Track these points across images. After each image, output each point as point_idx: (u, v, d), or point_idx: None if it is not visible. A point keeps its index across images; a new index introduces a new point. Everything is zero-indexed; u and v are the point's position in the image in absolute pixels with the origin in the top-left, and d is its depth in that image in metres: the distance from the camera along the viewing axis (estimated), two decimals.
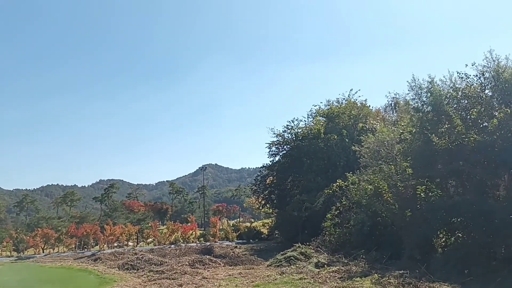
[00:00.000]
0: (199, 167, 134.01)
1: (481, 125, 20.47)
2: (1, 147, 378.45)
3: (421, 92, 25.01)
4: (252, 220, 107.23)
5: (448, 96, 23.35)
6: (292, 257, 21.38)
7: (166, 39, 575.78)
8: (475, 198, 17.76)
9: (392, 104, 49.87)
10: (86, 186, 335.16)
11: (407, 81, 25.47)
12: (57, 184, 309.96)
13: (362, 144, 28.96)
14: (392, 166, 24.26)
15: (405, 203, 18.40)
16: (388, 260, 20.32)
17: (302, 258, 21.38)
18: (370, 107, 42.36)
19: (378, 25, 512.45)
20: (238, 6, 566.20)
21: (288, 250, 23.32)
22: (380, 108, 46.07)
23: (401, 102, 50.63)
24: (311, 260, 20.50)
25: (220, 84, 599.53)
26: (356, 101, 41.01)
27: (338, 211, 27.41)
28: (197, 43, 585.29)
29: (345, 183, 29.43)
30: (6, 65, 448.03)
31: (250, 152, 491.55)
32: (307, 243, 25.26)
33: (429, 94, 24.08)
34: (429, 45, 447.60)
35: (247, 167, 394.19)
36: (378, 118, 39.43)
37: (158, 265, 23.88)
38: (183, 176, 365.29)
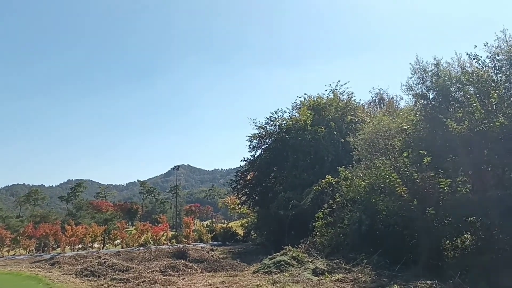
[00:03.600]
0: (171, 168, 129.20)
1: (503, 110, 17.79)
2: None
3: (426, 76, 22.38)
4: (224, 221, 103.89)
5: (457, 80, 20.78)
6: (282, 262, 18.12)
7: (142, 41, 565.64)
8: (504, 193, 14.95)
9: (376, 100, 47.55)
10: (54, 186, 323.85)
11: (410, 63, 22.67)
12: (24, 183, 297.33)
13: (357, 134, 26.04)
14: (386, 161, 21.54)
15: (423, 199, 15.41)
16: (393, 266, 17.39)
17: (295, 263, 18.15)
18: (358, 101, 39.61)
19: (359, 28, 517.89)
20: (216, 8, 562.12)
21: (277, 253, 20.08)
22: (364, 103, 43.48)
23: (386, 97, 48.66)
24: (306, 266, 17.26)
25: (195, 86, 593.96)
26: (344, 93, 38.16)
27: (330, 209, 24.35)
28: (173, 46, 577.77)
29: (335, 179, 26.59)
30: None
31: (223, 153, 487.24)
32: (296, 246, 22.07)
33: (435, 78, 21.50)
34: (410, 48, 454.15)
35: (220, 168, 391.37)
36: (366, 111, 36.73)
37: (123, 272, 20.28)
38: (154, 176, 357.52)
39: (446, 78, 20.89)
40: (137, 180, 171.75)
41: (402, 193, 15.91)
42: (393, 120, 24.77)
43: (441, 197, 14.94)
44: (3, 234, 41.23)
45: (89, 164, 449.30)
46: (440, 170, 16.09)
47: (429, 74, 22.04)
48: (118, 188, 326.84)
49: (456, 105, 20.61)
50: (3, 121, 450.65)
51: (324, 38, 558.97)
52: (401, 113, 25.56)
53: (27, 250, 43.95)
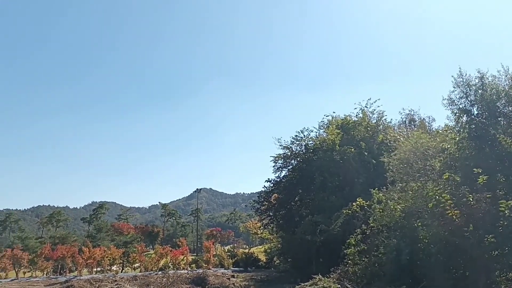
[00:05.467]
0: (193, 191, 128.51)
1: None
2: None
3: (470, 90, 20.51)
4: (246, 246, 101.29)
5: (505, 94, 18.89)
6: None
7: (167, 64, 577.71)
8: None
9: (407, 122, 45.45)
10: (78, 207, 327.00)
11: (452, 76, 20.95)
12: (49, 205, 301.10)
13: (392, 155, 24.13)
14: (426, 183, 19.55)
15: (480, 224, 13.32)
16: None
17: None
18: (389, 121, 37.48)
19: (380, 55, 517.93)
20: (238, 32, 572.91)
21: (305, 283, 18.13)
22: (394, 125, 41.39)
23: (417, 118, 46.51)
24: None
25: (218, 110, 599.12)
26: (374, 112, 36.18)
27: (363, 235, 22.25)
28: (196, 69, 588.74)
29: (367, 202, 24.54)
30: (2, 83, 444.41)
31: (246, 178, 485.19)
32: (327, 275, 20.01)
33: (480, 92, 19.65)
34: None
35: (241, 192, 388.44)
36: (399, 131, 34.62)
37: None
38: (176, 199, 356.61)
39: (492, 92, 19.10)
40: (159, 202, 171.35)
41: (454, 217, 13.83)
42: (432, 139, 22.89)
43: (501, 221, 12.85)
44: (19, 255, 40.20)
45: (113, 187, 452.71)
46: (497, 191, 14.02)
47: (473, 88, 20.25)
48: (141, 211, 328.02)
49: (504, 121, 18.74)
50: (30, 142, 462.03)
51: (349, 59, 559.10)
52: (440, 131, 23.64)
53: (44, 272, 42.94)
